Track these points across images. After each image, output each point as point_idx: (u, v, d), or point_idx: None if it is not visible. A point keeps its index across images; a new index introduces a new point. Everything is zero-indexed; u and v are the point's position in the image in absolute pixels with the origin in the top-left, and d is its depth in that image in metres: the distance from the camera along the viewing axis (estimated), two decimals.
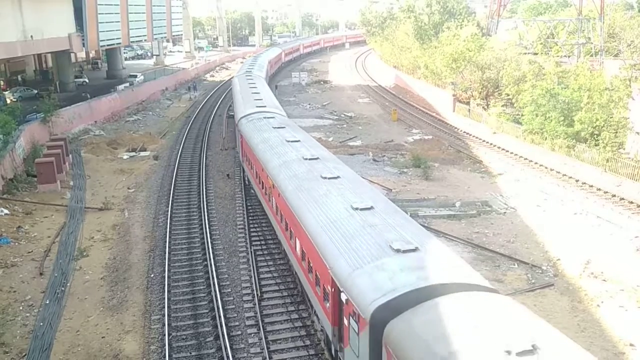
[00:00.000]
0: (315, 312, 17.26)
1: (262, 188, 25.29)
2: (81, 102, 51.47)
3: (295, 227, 18.45)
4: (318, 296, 16.01)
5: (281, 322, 19.15)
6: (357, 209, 16.46)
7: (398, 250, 13.42)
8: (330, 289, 14.38)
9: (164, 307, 19.94)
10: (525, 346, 9.37)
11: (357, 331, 12.58)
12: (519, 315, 10.79)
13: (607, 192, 32.23)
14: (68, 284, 21.97)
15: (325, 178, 19.80)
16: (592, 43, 61.29)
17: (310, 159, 22.50)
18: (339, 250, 14.42)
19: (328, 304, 14.82)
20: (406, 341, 10.55)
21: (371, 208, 16.53)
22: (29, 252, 24.81)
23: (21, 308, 20.19)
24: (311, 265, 16.48)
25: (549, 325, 10.65)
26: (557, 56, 58.63)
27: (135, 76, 70.70)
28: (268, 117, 32.19)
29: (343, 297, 13.30)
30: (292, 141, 25.69)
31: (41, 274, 22.72)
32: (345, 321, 13.50)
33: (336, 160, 24.06)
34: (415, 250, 13.51)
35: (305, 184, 19.59)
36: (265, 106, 35.92)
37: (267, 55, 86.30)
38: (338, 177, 20.02)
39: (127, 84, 66.27)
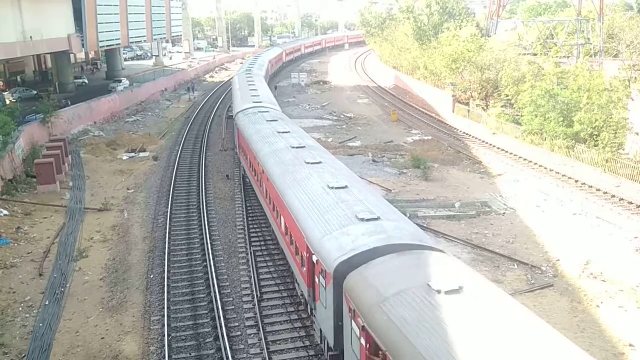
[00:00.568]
0: (296, 279, 19.43)
1: (254, 175, 27.29)
2: (63, 108, 47.92)
3: (280, 206, 20.33)
4: (297, 263, 18.16)
5: (281, 323, 19.14)
6: (332, 187, 18.49)
7: (362, 219, 15.58)
8: (305, 255, 16.47)
9: (163, 307, 19.94)
10: (453, 287, 11.48)
11: (324, 286, 14.78)
12: (454, 267, 13.09)
13: (606, 192, 32.24)
14: (67, 285, 21.95)
15: (308, 163, 21.63)
16: (591, 44, 61.31)
17: (296, 147, 24.23)
18: (314, 221, 16.45)
19: (304, 269, 16.92)
20: (360, 288, 12.76)
21: (345, 187, 18.51)
22: (28, 253, 24.79)
23: (20, 309, 20.17)
24: (292, 237, 18.49)
25: (479, 274, 13.38)
26: (557, 57, 58.65)
27: (120, 81, 64.10)
28: (263, 112, 33.97)
29: (314, 258, 15.41)
30: (282, 132, 27.64)
31: (40, 274, 22.70)
32: (316, 280, 15.63)
33: (321, 148, 26.13)
34: (377, 219, 15.64)
35: (290, 168, 21.48)
36: (261, 102, 37.70)
37: (268, 55, 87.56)
38: (320, 162, 21.93)
39: (113, 89, 61.03)
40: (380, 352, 11.32)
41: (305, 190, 18.82)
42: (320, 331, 16.39)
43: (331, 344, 14.95)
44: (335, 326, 14.35)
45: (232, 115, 44.11)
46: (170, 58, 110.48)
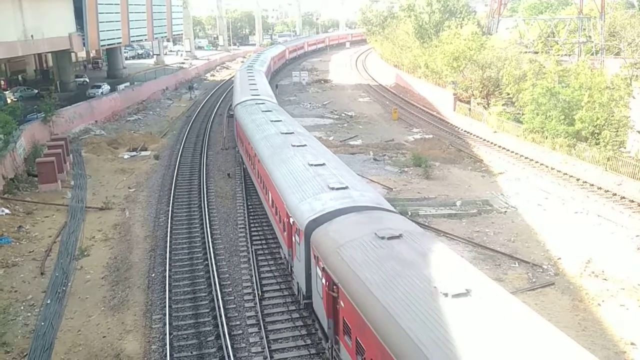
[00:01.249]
0: (280, 245, 22.05)
1: (249, 159, 30.23)
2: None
3: (268, 183, 23.18)
4: (280, 229, 20.98)
5: (282, 322, 19.16)
6: (312, 165, 21.39)
7: (332, 188, 18.51)
8: (285, 220, 19.24)
9: (165, 306, 19.97)
10: (395, 234, 14.39)
11: (299, 242, 17.52)
12: (398, 221, 16.03)
13: (607, 191, 32.21)
14: (69, 284, 21.99)
15: (294, 146, 24.50)
16: (592, 42, 61.21)
17: (285, 133, 27.27)
18: (293, 192, 19.23)
19: (285, 233, 19.67)
20: (323, 239, 15.51)
21: (323, 164, 21.49)
22: (30, 252, 24.83)
23: (22, 308, 20.22)
24: (277, 208, 21.20)
25: (417, 226, 16.14)
26: (558, 55, 58.55)
27: (99, 87, 57.93)
28: (259, 103, 37.03)
29: (291, 220, 18.17)
30: (274, 121, 30.60)
31: (42, 273, 22.75)
32: (293, 239, 18.29)
33: (307, 134, 29.34)
34: (345, 188, 18.60)
35: (278, 150, 24.38)
36: (258, 95, 40.90)
37: (271, 52, 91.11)
38: (305, 145, 24.78)
39: (92, 95, 55.65)
40: (334, 287, 14.03)
41: (289, 168, 21.64)
42: (297, 284, 19.04)
43: (304, 292, 17.62)
44: (306, 275, 17.05)
45: (232, 114, 44.88)
46: (179, 54, 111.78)
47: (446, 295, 11.15)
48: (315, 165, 21.33)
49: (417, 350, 10.05)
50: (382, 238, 14.16)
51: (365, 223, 15.50)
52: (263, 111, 33.60)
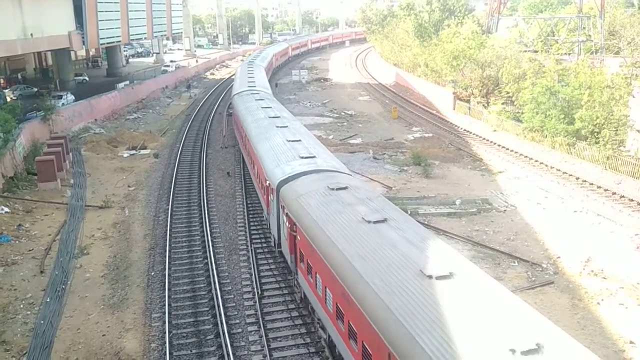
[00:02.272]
0: (263, 208, 25.86)
1: (242, 140, 34.65)
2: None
3: (254, 157, 26.81)
4: (261, 193, 25.11)
5: (282, 320, 19.17)
6: (289, 140, 25.57)
7: (302, 157, 22.63)
8: (264, 183, 23.32)
9: (164, 305, 19.98)
10: (342, 186, 18.57)
11: (272, 199, 21.71)
12: (348, 179, 20.38)
13: (607, 189, 32.22)
14: (69, 282, 21.99)
15: (277, 127, 28.74)
16: (592, 41, 61.22)
17: (272, 117, 31.75)
18: (271, 161, 23.17)
19: (265, 195, 23.79)
20: (288, 192, 19.56)
21: (299, 140, 25.60)
22: (30, 250, 24.83)
23: (22, 306, 20.22)
24: (259, 176, 25.08)
25: (363, 182, 18.79)
26: (558, 54, 58.56)
27: (60, 97, 50.30)
28: (254, 93, 41.55)
29: (267, 183, 22.32)
30: (264, 107, 34.87)
31: (42, 272, 22.75)
32: (269, 198, 22.60)
33: (292, 118, 33.87)
34: (313, 157, 22.76)
35: (264, 130, 28.53)
36: (255, 86, 45.54)
37: (273, 49, 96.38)
38: (287, 126, 29.16)
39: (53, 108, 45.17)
40: (294, 226, 18.12)
41: (270, 143, 25.67)
42: (273, 236, 22.94)
43: (276, 239, 21.83)
44: (277, 225, 21.17)
45: (232, 113, 46.41)
46: (186, 50, 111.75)
47: (369, 222, 15.53)
48: (293, 141, 25.47)
49: (346, 260, 13.95)
50: (332, 189, 18.44)
51: (322, 180, 19.67)
52: (256, 100, 38.26)
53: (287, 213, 18.82)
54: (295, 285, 20.06)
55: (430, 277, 12.08)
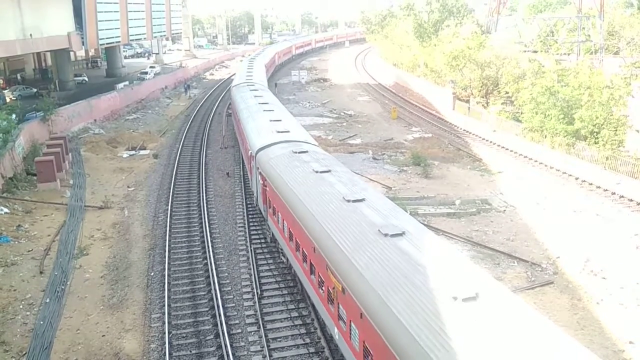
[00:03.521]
0: (248, 173, 30.48)
1: (236, 125, 39.92)
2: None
3: (243, 134, 31.81)
4: (247, 163, 29.81)
5: (281, 320, 19.17)
6: (272, 120, 30.44)
7: (278, 132, 27.33)
8: (248, 153, 28.30)
9: (164, 305, 19.97)
10: (304, 150, 23.54)
11: (253, 164, 25.99)
12: (311, 146, 25.03)
13: (606, 189, 32.25)
14: (68, 283, 21.98)
15: (265, 111, 33.62)
16: (591, 41, 61.19)
17: (262, 103, 36.32)
18: (254, 136, 27.77)
19: (248, 163, 28.82)
20: (262, 157, 24.22)
21: (280, 120, 30.72)
22: (29, 251, 24.81)
23: (21, 307, 20.19)
24: (246, 150, 29.80)
25: (321, 149, 25.38)
26: (557, 54, 58.58)
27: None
28: (250, 85, 46.56)
29: (250, 153, 27.20)
30: (257, 96, 39.58)
31: (41, 272, 22.73)
32: (251, 165, 26.92)
33: (279, 104, 38.84)
34: (287, 132, 27.51)
35: (253, 114, 33.28)
36: (252, 80, 50.65)
37: (276, 47, 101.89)
38: (273, 110, 34.03)
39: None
40: (265, 182, 22.92)
41: (256, 123, 30.37)
42: (254, 194, 27.47)
43: (256, 197, 26.42)
44: (256, 185, 25.83)
45: (231, 114, 47.98)
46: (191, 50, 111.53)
47: (316, 172, 20.37)
48: (274, 120, 30.41)
49: (297, 199, 18.55)
50: (295, 152, 23.26)
51: (289, 147, 24.22)
52: (250, 90, 43.25)
53: (260, 172, 24.08)
54: (267, 229, 25.04)
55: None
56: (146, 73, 73.11)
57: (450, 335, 10.05)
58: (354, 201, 17.09)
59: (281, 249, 22.21)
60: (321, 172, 20.25)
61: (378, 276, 12.61)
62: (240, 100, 39.16)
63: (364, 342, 12.53)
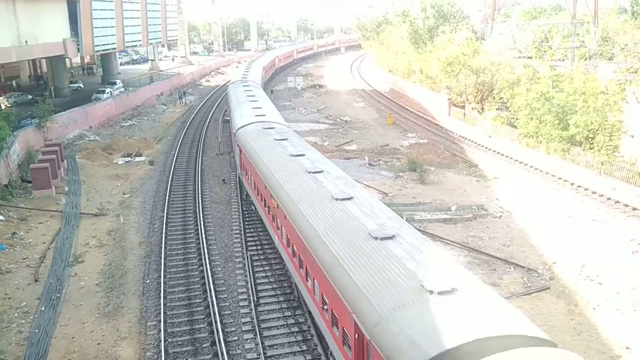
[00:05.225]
0: (234, 149, 35.44)
1: (229, 113, 44.87)
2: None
3: (231, 119, 38.15)
4: (233, 140, 34.94)
5: (278, 328, 19.09)
6: (254, 108, 35.95)
7: (257, 115, 33.17)
8: (232, 131, 35.20)
9: (159, 313, 19.87)
10: (272, 127, 30.24)
11: (234, 141, 32.31)
12: (280, 126, 31.40)
13: (602, 195, 32.34)
14: (63, 291, 21.86)
15: (250, 101, 39.16)
16: (586, 47, 61.56)
17: (250, 96, 41.99)
18: (237, 119, 33.61)
19: (233, 140, 34.86)
20: (240, 134, 29.92)
21: (261, 108, 36.17)
22: (24, 259, 24.69)
23: (16, 315, 20.08)
24: (231, 128, 37.40)
25: (287, 127, 32.42)
26: (551, 60, 58.90)
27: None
28: (244, 83, 52.13)
29: (233, 132, 33.38)
30: (247, 91, 45.06)
31: (36, 280, 22.62)
32: (234, 143, 32.87)
33: (266, 97, 45.01)
34: (264, 115, 33.32)
35: (241, 104, 38.68)
36: (246, 79, 55.94)
37: (276, 52, 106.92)
38: (257, 101, 39.48)
39: None
40: (241, 152, 28.72)
41: (241, 111, 36.00)
42: (236, 164, 32.84)
43: (238, 167, 31.64)
44: (237, 156, 31.55)
45: (227, 120, 48.67)
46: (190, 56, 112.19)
47: (276, 140, 26.20)
48: (256, 108, 35.96)
49: (263, 163, 23.63)
50: (264, 129, 29.26)
51: (261, 125, 30.17)
52: (243, 86, 49.07)
53: (237, 144, 30.49)
54: (243, 188, 30.66)
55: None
56: (103, 92, 59.56)
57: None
58: (296, 155, 23.26)
59: (252, 202, 27.98)
60: (279, 139, 26.37)
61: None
62: (233, 93, 46.84)
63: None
